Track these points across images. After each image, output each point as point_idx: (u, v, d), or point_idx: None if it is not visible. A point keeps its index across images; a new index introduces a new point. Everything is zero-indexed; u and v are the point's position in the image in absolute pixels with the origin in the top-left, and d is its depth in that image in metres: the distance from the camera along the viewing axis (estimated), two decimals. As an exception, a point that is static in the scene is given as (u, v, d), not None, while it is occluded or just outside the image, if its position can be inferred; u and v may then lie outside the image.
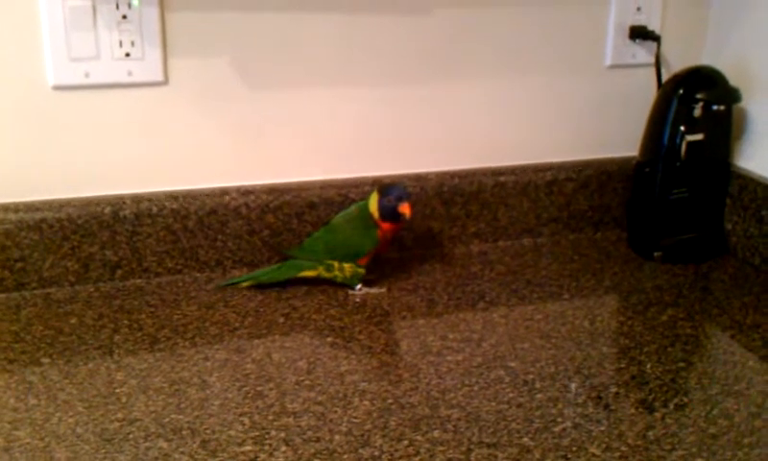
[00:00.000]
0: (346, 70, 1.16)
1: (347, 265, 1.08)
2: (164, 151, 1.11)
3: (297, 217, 1.15)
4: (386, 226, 1.07)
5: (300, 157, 1.17)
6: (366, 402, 0.85)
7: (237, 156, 1.14)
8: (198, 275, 1.13)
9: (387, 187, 1.07)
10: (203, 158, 1.13)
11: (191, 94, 1.10)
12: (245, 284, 1.10)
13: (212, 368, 0.91)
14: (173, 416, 0.83)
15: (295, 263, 1.10)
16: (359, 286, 1.09)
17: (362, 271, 1.09)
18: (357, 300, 1.08)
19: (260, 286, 1.09)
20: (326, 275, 1.09)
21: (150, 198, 1.09)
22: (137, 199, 1.09)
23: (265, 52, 1.11)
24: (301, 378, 0.89)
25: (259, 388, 0.87)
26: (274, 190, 1.14)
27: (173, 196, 1.10)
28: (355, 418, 0.83)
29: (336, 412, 0.84)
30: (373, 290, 1.10)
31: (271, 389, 0.87)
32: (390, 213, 1.06)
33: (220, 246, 1.13)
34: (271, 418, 0.82)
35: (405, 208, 1.05)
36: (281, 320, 1.02)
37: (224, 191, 1.12)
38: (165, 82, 1.08)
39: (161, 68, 1.07)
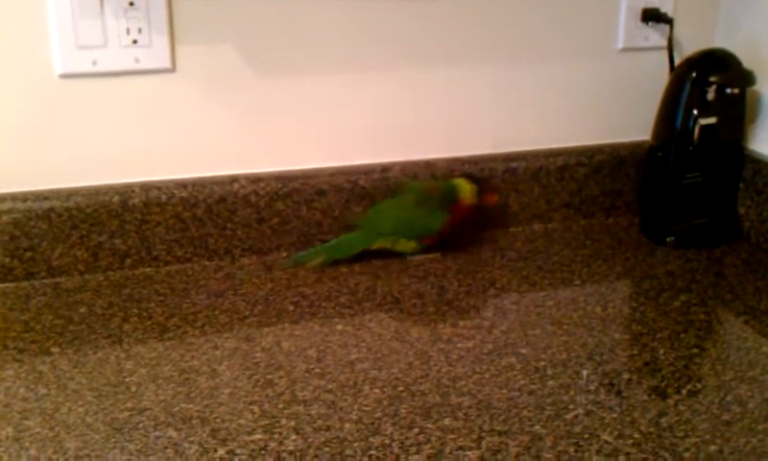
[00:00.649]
0: (355, 56, 1.15)
1: (411, 242, 1.12)
2: (172, 139, 1.10)
3: (306, 204, 1.15)
4: (465, 211, 1.14)
5: (309, 144, 1.16)
6: (376, 390, 0.85)
7: (246, 143, 1.13)
8: (207, 263, 1.12)
9: (473, 177, 1.16)
10: (211, 146, 1.12)
11: (199, 81, 1.09)
12: (314, 262, 1.11)
13: (222, 357, 0.91)
14: (182, 405, 0.82)
15: (362, 239, 1.12)
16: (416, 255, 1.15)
17: (421, 246, 1.14)
18: (413, 270, 1.10)
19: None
20: (388, 246, 1.13)
21: (158, 186, 1.09)
22: (146, 187, 1.09)
23: (273, 38, 1.10)
24: (311, 366, 0.89)
25: (269, 376, 0.87)
26: (283, 178, 1.14)
27: (182, 184, 1.10)
28: (366, 406, 0.82)
29: (346, 400, 0.83)
30: (430, 255, 1.15)
31: (281, 377, 0.87)
32: (481, 200, 1.15)
33: (229, 234, 1.12)
34: (281, 406, 0.82)
35: (491, 198, 1.16)
36: (291, 308, 1.01)
37: (233, 179, 1.12)
38: (173, 69, 1.08)
39: (169, 55, 1.07)
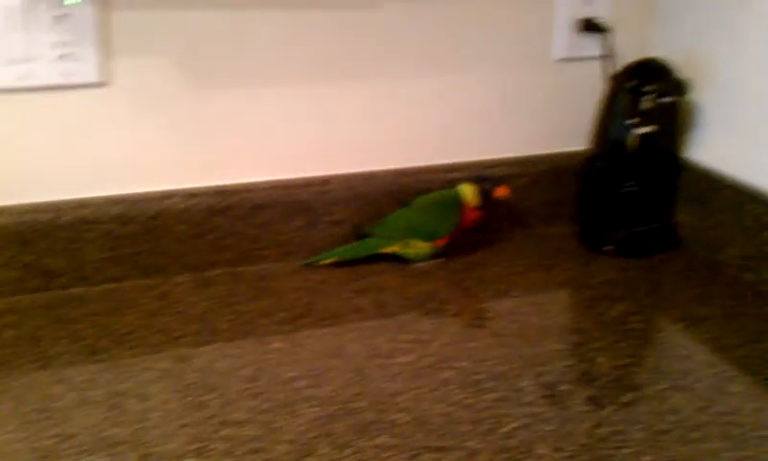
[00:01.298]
0: (291, 68, 1.13)
1: (423, 244, 1.15)
2: (104, 155, 1.08)
3: (244, 220, 1.13)
4: (472, 214, 1.17)
5: (246, 158, 1.15)
6: (312, 409, 0.83)
7: (181, 158, 1.11)
8: (141, 282, 1.10)
9: (479, 177, 1.18)
10: (144, 162, 1.10)
11: (132, 95, 1.07)
12: (328, 261, 1.15)
13: (153, 378, 0.88)
14: (111, 430, 0.80)
15: (374, 241, 1.16)
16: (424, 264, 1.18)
17: (433, 250, 1.17)
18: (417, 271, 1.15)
19: (341, 264, 1.15)
20: (401, 251, 1.16)
21: (90, 204, 1.06)
22: (76, 205, 1.06)
23: (208, 51, 1.09)
24: (246, 386, 0.87)
25: (202, 398, 0.85)
26: (220, 193, 1.12)
27: (114, 201, 1.07)
28: (301, 426, 0.81)
29: (281, 420, 0.82)
30: (434, 262, 1.18)
31: (214, 399, 0.85)
32: (487, 198, 1.17)
33: (163, 251, 1.10)
34: (213, 429, 0.80)
35: (502, 191, 1.17)
36: (226, 326, 0.99)
37: (167, 195, 1.10)
38: (104, 83, 1.05)
39: (100, 69, 1.04)
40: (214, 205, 1.11)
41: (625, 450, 0.78)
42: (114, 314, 1.01)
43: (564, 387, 0.88)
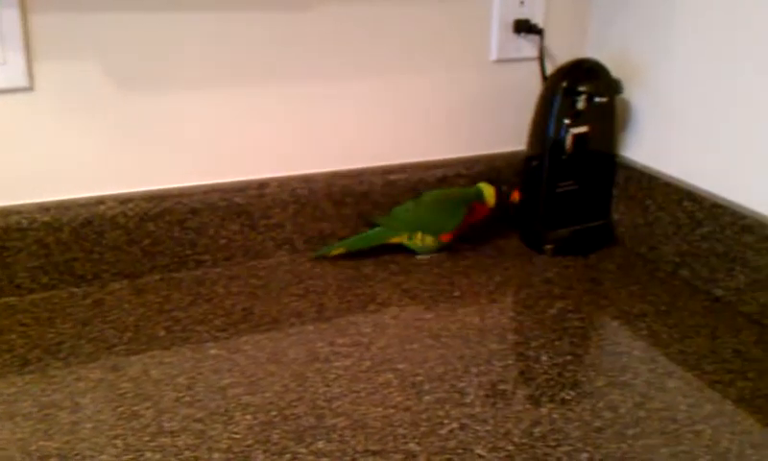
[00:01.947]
0: (224, 70, 1.12)
1: (429, 238, 1.18)
2: (33, 160, 1.05)
3: (179, 224, 1.11)
4: (481, 211, 1.22)
5: (180, 161, 1.13)
6: (248, 416, 0.82)
7: (113, 162, 1.09)
8: (75, 290, 1.07)
9: (496, 179, 1.27)
10: (75, 167, 1.07)
11: (60, 99, 1.04)
12: (336, 252, 1.18)
13: (86, 389, 0.86)
14: (41, 442, 0.78)
15: (382, 232, 1.19)
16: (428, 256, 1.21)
17: (438, 244, 1.20)
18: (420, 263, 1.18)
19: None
20: (407, 243, 1.19)
21: (19, 210, 1.03)
22: (5, 212, 1.03)
23: (138, 53, 1.06)
24: (181, 395, 0.85)
25: (135, 408, 0.83)
26: (153, 197, 1.10)
27: (44, 208, 1.05)
28: (236, 434, 0.80)
29: (216, 429, 0.80)
30: (436, 255, 1.21)
31: (147, 408, 0.83)
32: (502, 200, 1.24)
33: (97, 258, 1.08)
34: (146, 439, 0.78)
35: (517, 195, 1.25)
36: (162, 333, 0.97)
37: (99, 200, 1.07)
38: (30, 87, 1.02)
39: (25, 73, 1.01)
40: (148, 210, 1.09)
41: (562, 449, 0.78)
42: (47, 323, 0.99)
43: (503, 387, 0.88)
